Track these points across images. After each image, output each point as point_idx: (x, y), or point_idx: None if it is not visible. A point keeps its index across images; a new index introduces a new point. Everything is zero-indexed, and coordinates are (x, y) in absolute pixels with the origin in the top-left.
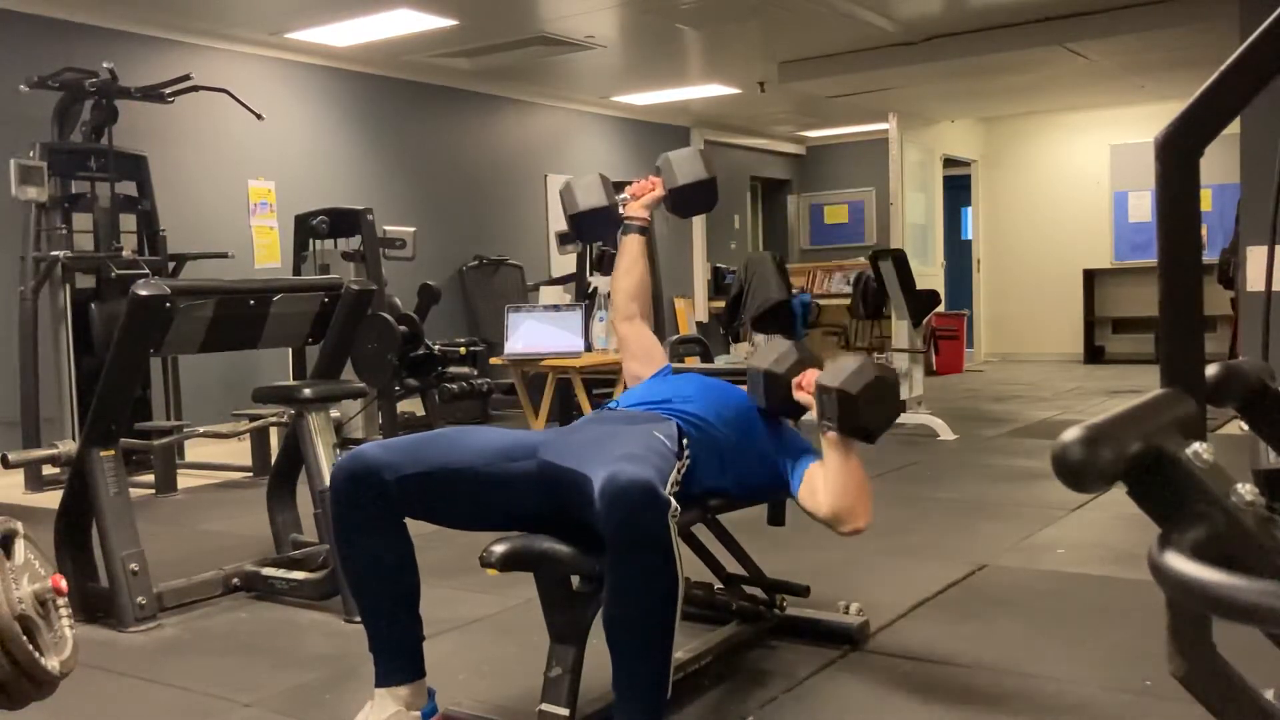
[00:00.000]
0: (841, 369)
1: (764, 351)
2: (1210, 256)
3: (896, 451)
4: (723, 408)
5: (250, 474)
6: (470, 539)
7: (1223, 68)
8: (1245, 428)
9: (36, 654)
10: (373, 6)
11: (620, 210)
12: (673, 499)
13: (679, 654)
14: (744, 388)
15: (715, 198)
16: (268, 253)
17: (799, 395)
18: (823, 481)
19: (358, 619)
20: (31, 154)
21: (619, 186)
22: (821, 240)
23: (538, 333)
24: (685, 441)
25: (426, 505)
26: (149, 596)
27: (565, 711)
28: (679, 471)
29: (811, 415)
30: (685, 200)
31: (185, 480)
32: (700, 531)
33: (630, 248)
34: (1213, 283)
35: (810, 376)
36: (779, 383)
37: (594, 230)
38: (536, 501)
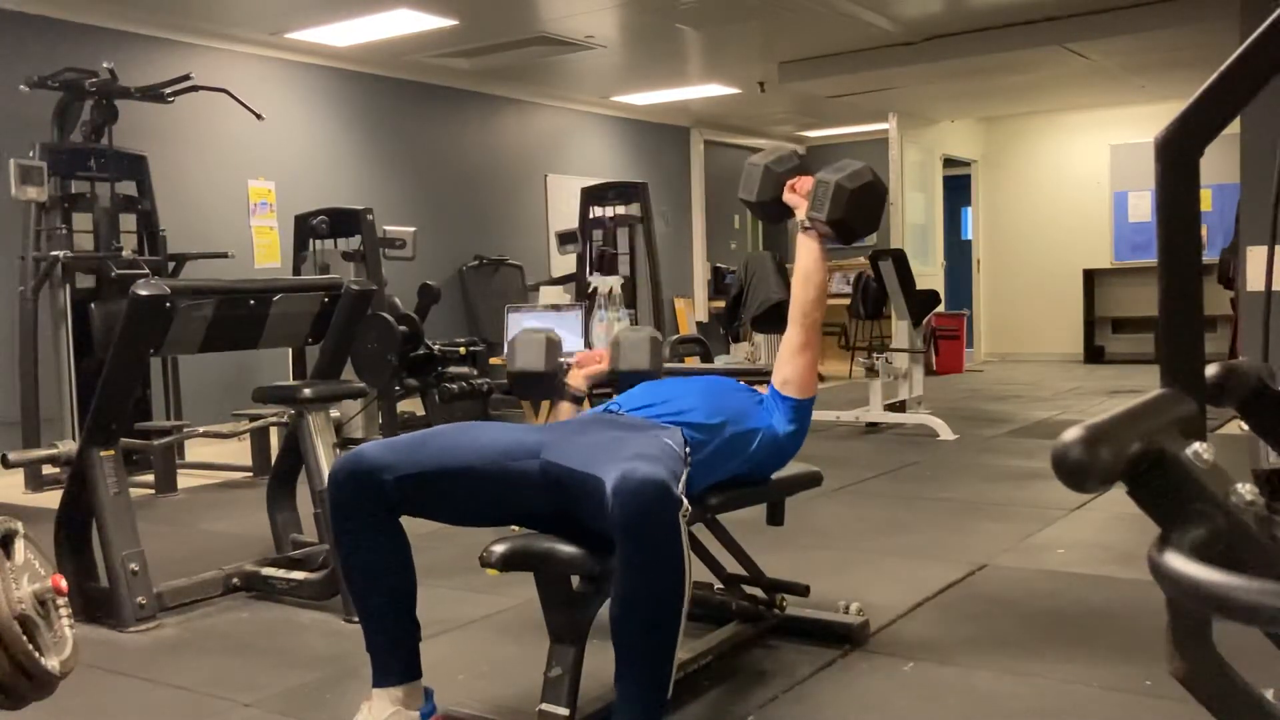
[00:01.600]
0: (841, 167)
1: (765, 151)
2: (1210, 256)
3: (896, 451)
4: (722, 407)
5: (250, 474)
6: (470, 539)
7: (1223, 68)
8: (1245, 428)
9: (36, 654)
10: (373, 6)
11: (562, 376)
12: (684, 499)
13: (679, 654)
14: (739, 380)
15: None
16: (268, 253)
17: (789, 196)
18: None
19: (357, 619)
20: (31, 154)
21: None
22: None
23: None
24: (688, 449)
25: (427, 504)
26: (149, 596)
27: (565, 711)
28: (684, 476)
29: (798, 214)
30: (627, 384)
31: (185, 480)
32: (700, 531)
33: (559, 415)
34: (1213, 283)
35: (803, 180)
36: (774, 179)
37: (529, 389)
38: (537, 501)
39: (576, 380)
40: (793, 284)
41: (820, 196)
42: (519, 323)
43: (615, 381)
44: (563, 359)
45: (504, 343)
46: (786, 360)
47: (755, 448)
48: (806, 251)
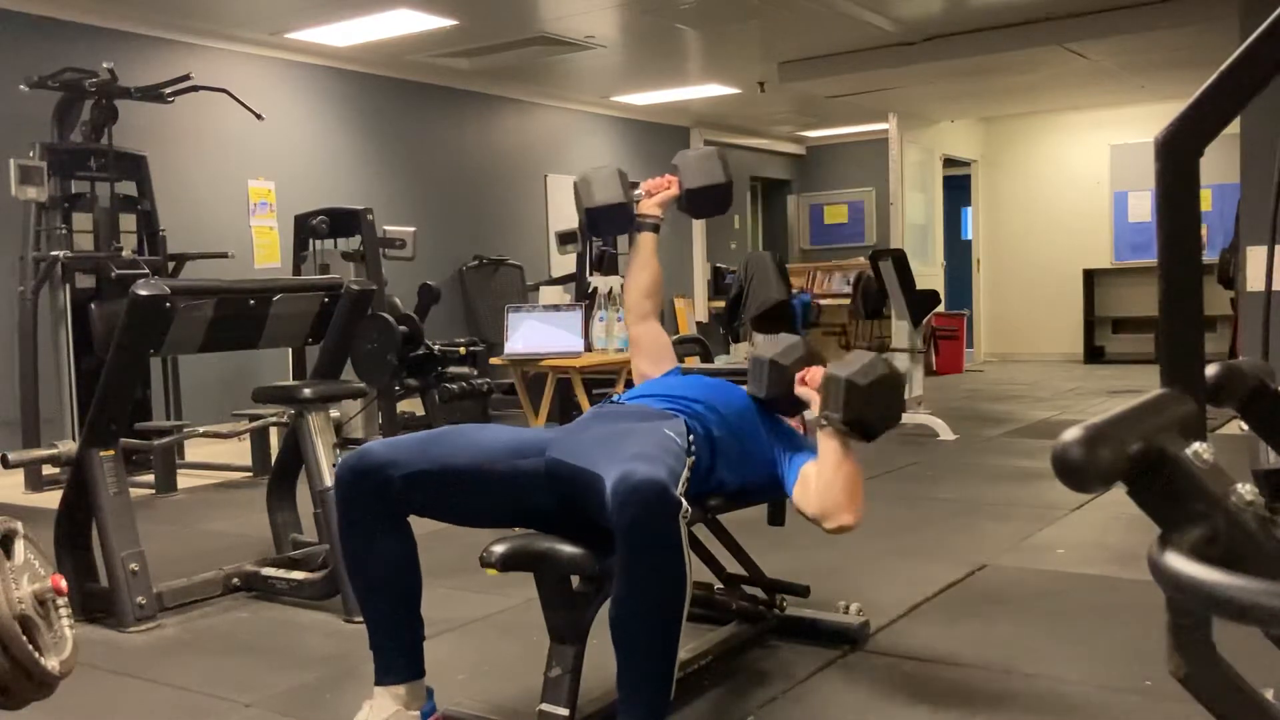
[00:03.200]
0: (852, 361)
1: (770, 343)
2: (1210, 256)
3: (896, 451)
4: (725, 407)
5: (250, 474)
6: (470, 539)
7: (1223, 68)
8: (1245, 428)
9: (36, 654)
10: (373, 6)
11: (635, 207)
12: (684, 499)
13: (679, 654)
14: (745, 385)
15: (730, 201)
16: (268, 253)
17: (800, 390)
18: (815, 477)
19: (358, 619)
20: (31, 154)
21: (634, 183)
22: (821, 240)
23: (538, 333)
24: (692, 439)
25: (432, 503)
26: (149, 596)
27: (565, 711)
28: (688, 469)
29: (811, 411)
30: (700, 202)
31: (185, 480)
32: (700, 531)
33: (644, 246)
34: (1213, 283)
35: (814, 371)
36: (783, 374)
37: (608, 225)
38: (543, 500)
39: (650, 208)
40: (817, 482)
41: (834, 395)
42: (519, 323)
43: (688, 200)
44: (634, 192)
45: (504, 343)
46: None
47: (757, 483)
48: (829, 451)
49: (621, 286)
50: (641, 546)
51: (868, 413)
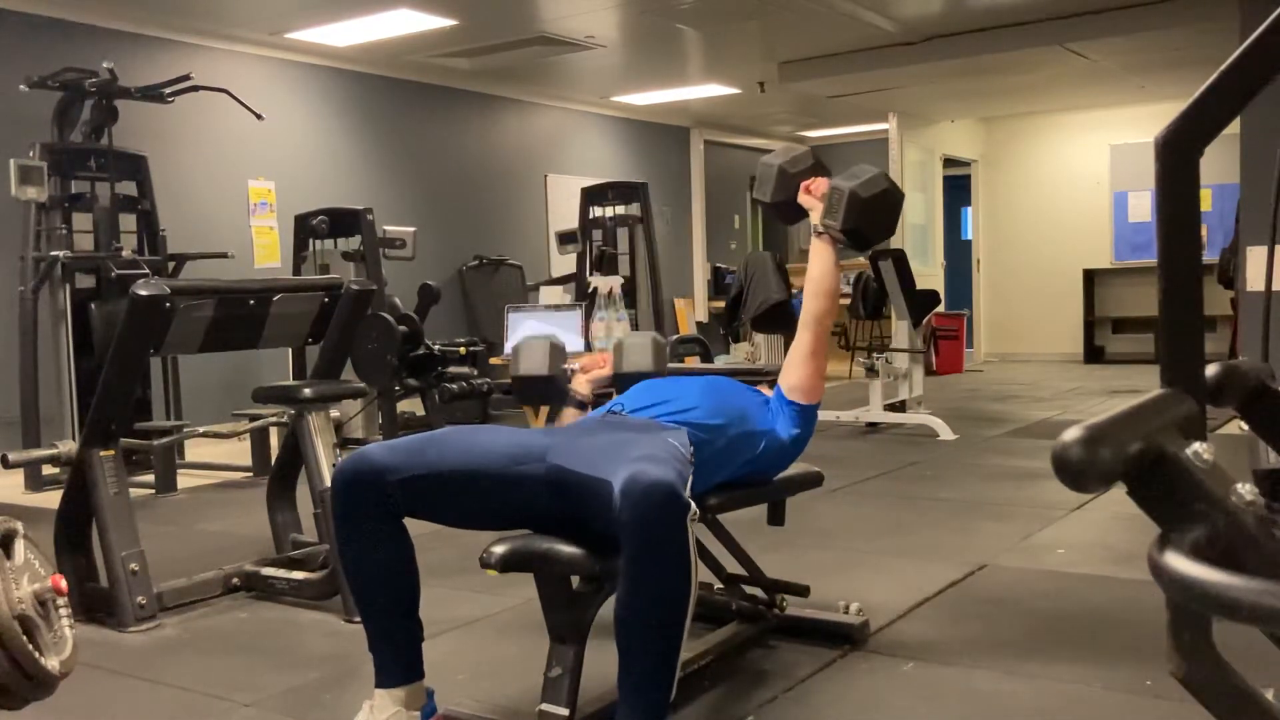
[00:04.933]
0: (856, 174)
1: (780, 151)
2: (1210, 256)
3: (896, 451)
4: (724, 406)
5: (250, 474)
6: (470, 539)
7: (1223, 68)
8: (1245, 428)
9: (36, 654)
10: (373, 6)
11: (567, 381)
12: (692, 502)
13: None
14: (741, 381)
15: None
16: (268, 253)
17: (803, 198)
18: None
19: (358, 619)
20: (31, 154)
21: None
22: None
23: (537, 333)
24: (693, 448)
25: (430, 506)
26: (149, 596)
27: (565, 711)
28: (691, 475)
29: (813, 218)
30: (629, 385)
31: (185, 480)
32: (700, 531)
33: (564, 421)
34: (1213, 283)
35: (818, 181)
36: (789, 180)
37: (533, 394)
38: (542, 503)
39: (581, 385)
40: (805, 289)
41: (835, 203)
42: (519, 323)
43: (618, 385)
44: (566, 365)
45: (504, 343)
46: (795, 365)
47: (760, 451)
48: (820, 257)
49: (620, 287)
50: (650, 548)
51: (864, 223)
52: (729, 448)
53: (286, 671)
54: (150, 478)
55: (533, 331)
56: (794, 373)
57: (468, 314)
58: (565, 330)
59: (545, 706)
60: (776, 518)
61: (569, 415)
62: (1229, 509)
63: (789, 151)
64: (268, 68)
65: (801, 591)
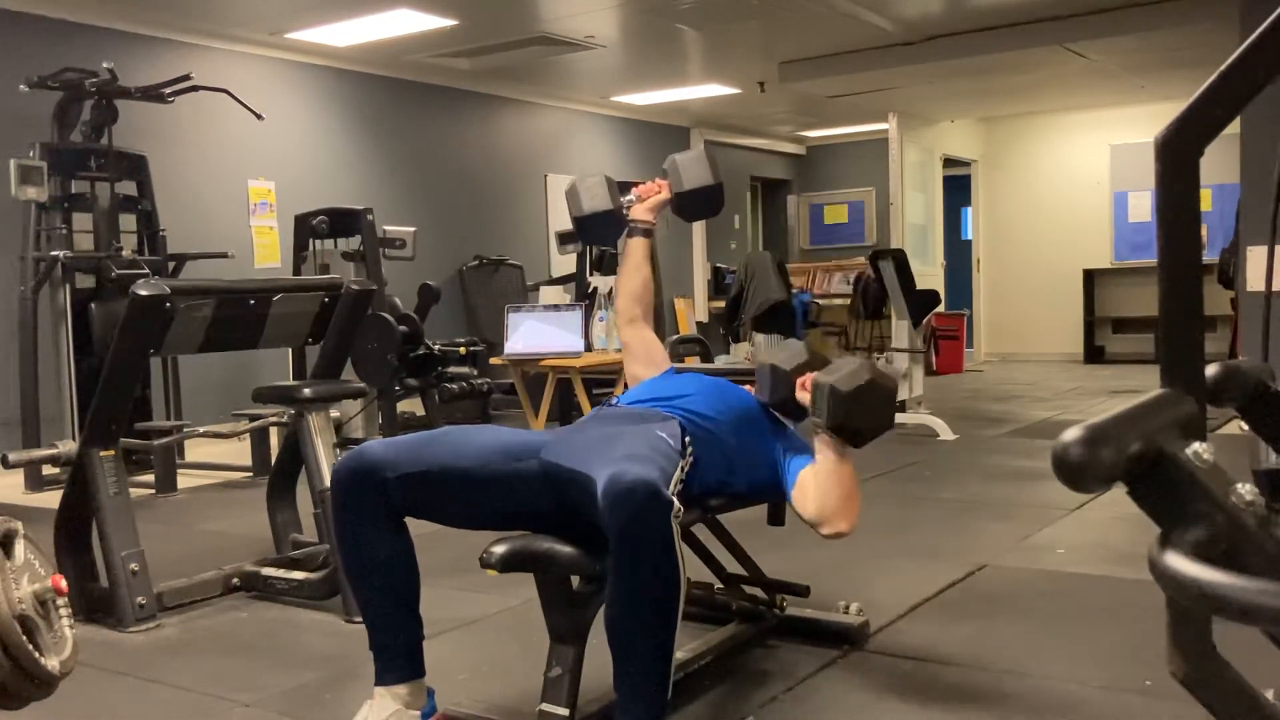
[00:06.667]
0: (838, 367)
1: (774, 349)
2: (1210, 256)
3: (896, 451)
4: (724, 406)
5: (250, 474)
6: (470, 539)
7: (1223, 68)
8: (1245, 428)
9: (36, 654)
10: (373, 6)
11: (625, 213)
12: (675, 499)
13: (679, 654)
14: (745, 387)
15: (721, 203)
16: (268, 253)
17: (801, 395)
18: (812, 482)
19: (358, 619)
20: (31, 154)
21: (624, 187)
22: (821, 240)
23: (538, 333)
24: (688, 440)
25: (428, 504)
26: (149, 596)
27: (565, 711)
28: (682, 470)
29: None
30: (691, 205)
31: (185, 480)
32: (700, 531)
33: (635, 251)
34: (1213, 283)
35: (812, 377)
36: (784, 379)
37: (599, 233)
38: (539, 501)
39: (642, 213)
40: (814, 488)
41: (818, 402)
42: (519, 323)
43: (676, 204)
44: (624, 198)
45: (504, 343)
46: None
47: (759, 483)
48: (824, 458)
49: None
50: (634, 547)
51: (853, 420)
52: (729, 449)
53: (286, 671)
54: (150, 478)
55: (535, 321)
56: (818, 512)
57: (468, 314)
58: (566, 330)
59: (545, 706)
60: (776, 518)
61: (637, 247)
62: (1229, 509)
63: (782, 349)
64: (268, 68)
65: (801, 591)
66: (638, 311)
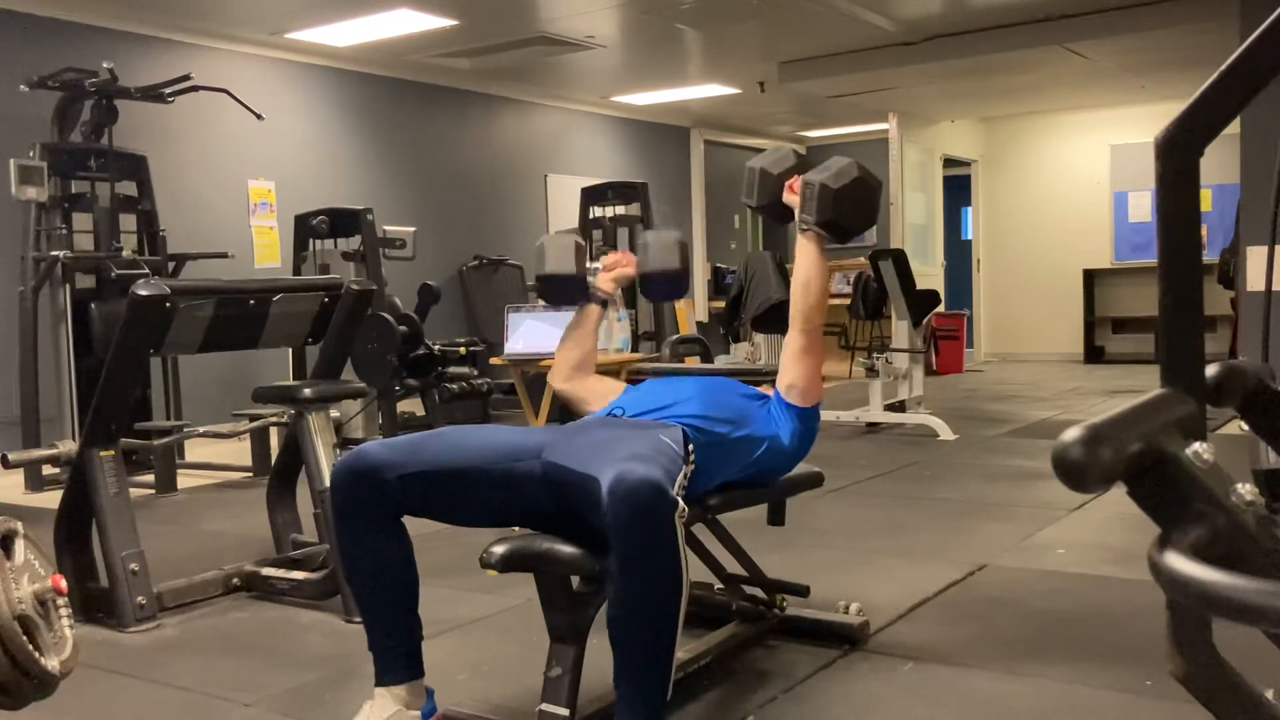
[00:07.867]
0: (827, 166)
1: (764, 154)
2: (1210, 256)
3: (896, 451)
4: (723, 405)
5: (250, 474)
6: (470, 539)
7: (1223, 68)
8: (1245, 428)
9: (36, 654)
10: (373, 6)
11: (590, 279)
12: (680, 500)
13: (679, 654)
14: (741, 380)
15: (684, 290)
16: (268, 253)
17: (788, 196)
18: (791, 295)
19: (358, 619)
20: (31, 154)
21: (602, 248)
22: None
23: (538, 333)
24: (690, 447)
25: (428, 504)
26: (149, 596)
27: (565, 711)
28: (685, 475)
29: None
30: (655, 285)
31: (185, 480)
32: (700, 531)
33: (587, 319)
34: (1213, 283)
35: (799, 179)
36: (771, 181)
37: (559, 294)
38: (539, 501)
39: (604, 283)
40: (792, 287)
41: (808, 198)
42: (519, 323)
43: (641, 284)
44: (590, 264)
45: (504, 343)
46: (789, 366)
47: (761, 454)
48: (804, 254)
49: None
50: (637, 546)
51: (841, 214)
52: (730, 449)
53: (286, 671)
54: (150, 478)
55: (535, 321)
56: (788, 374)
57: (468, 314)
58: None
59: (545, 706)
60: (776, 518)
61: (591, 314)
62: (1229, 509)
63: (772, 153)
64: (268, 68)
65: (801, 591)
66: (574, 376)
